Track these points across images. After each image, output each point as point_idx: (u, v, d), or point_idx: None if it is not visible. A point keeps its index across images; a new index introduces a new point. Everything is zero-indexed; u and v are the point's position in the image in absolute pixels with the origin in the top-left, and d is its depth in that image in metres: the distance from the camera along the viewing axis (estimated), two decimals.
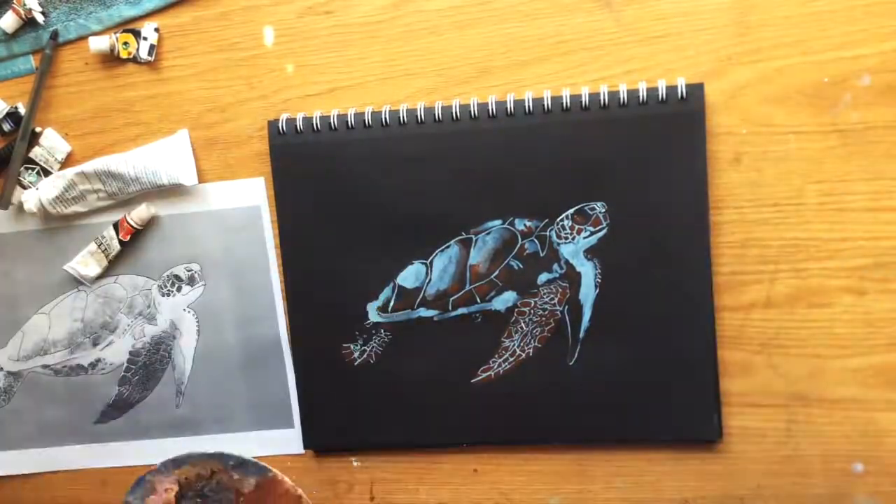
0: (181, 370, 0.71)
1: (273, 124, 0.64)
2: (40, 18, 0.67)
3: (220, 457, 0.69)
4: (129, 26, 0.66)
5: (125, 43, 0.66)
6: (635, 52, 0.60)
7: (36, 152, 0.69)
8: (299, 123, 0.64)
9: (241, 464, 0.68)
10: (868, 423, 0.61)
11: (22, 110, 0.69)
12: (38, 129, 0.69)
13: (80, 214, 0.70)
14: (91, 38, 0.66)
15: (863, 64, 0.58)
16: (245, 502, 0.68)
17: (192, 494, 0.69)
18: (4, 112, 0.69)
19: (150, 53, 0.66)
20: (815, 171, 0.59)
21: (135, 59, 0.67)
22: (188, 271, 0.69)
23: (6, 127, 0.69)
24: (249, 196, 0.67)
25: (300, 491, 0.68)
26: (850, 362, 0.60)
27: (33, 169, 0.69)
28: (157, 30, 0.66)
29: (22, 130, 0.67)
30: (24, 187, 0.69)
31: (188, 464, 0.69)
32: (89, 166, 0.67)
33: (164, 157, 0.66)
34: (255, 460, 0.69)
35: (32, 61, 0.69)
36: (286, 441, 0.70)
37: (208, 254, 0.69)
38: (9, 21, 0.67)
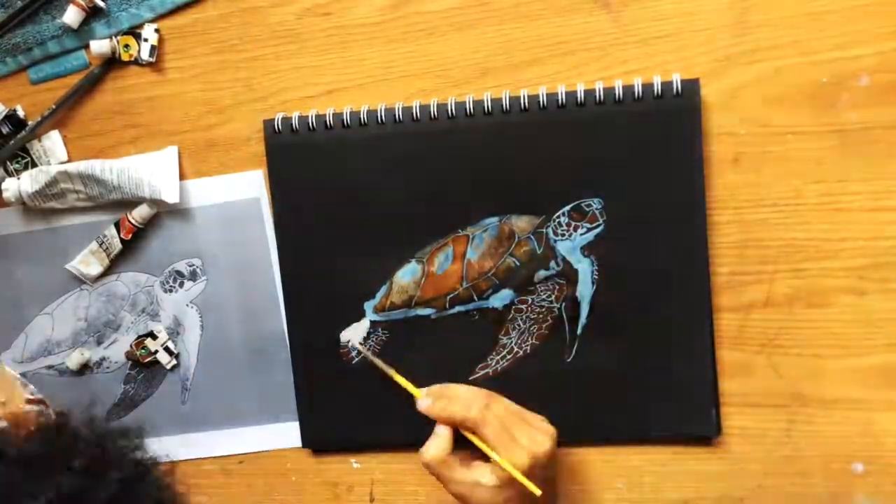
0: (186, 366, 0.71)
1: (269, 123, 0.64)
2: (102, 3, 0.66)
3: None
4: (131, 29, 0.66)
5: (126, 45, 0.66)
6: (634, 52, 0.60)
7: (34, 145, 0.69)
8: (295, 122, 0.64)
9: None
10: (868, 423, 0.60)
11: (21, 113, 0.69)
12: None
13: (58, 211, 0.70)
14: (92, 42, 0.66)
15: (861, 64, 0.57)
16: None
17: None
18: (3, 115, 0.69)
19: (151, 54, 0.66)
20: (813, 171, 0.59)
21: (136, 62, 0.67)
22: (189, 266, 0.69)
23: (4, 130, 0.69)
24: (248, 188, 0.67)
25: None
26: (850, 362, 0.60)
27: (23, 159, 0.69)
28: (157, 31, 0.66)
29: (28, 131, 0.68)
30: (9, 174, 0.69)
31: None
32: (73, 167, 0.67)
33: (150, 171, 0.66)
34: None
35: (86, 56, 0.68)
36: (293, 434, 0.69)
37: (209, 248, 0.69)
38: (72, 16, 0.66)
